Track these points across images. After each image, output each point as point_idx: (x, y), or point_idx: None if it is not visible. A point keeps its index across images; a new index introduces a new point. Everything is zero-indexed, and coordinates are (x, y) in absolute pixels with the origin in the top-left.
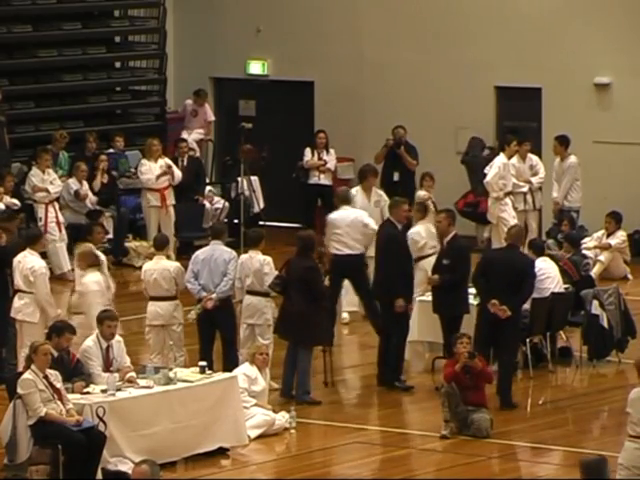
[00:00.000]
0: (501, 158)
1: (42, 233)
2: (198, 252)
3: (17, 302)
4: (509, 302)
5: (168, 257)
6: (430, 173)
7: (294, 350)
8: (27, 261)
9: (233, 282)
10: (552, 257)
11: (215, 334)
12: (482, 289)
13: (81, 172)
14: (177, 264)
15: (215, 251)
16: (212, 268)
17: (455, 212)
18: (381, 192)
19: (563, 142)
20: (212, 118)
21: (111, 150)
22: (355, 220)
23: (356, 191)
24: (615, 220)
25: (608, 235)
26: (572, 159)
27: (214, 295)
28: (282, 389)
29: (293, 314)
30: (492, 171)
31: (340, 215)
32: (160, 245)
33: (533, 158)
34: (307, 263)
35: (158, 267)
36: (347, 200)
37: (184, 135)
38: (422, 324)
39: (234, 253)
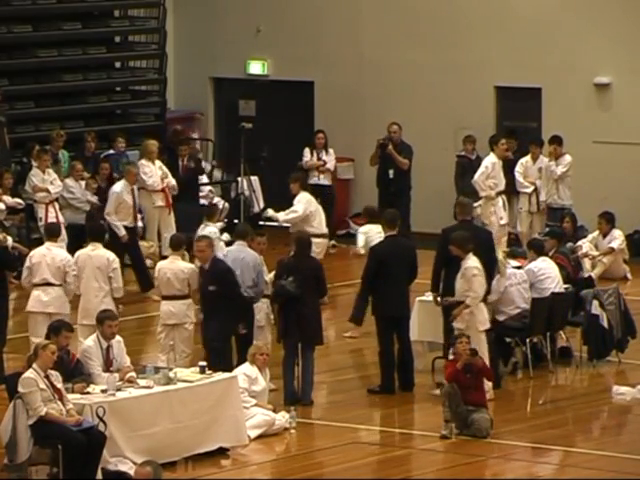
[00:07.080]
0: (490, 158)
1: (61, 229)
2: (225, 252)
3: (44, 296)
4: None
5: (182, 257)
6: None
7: (295, 353)
8: (55, 254)
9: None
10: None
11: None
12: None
13: (76, 172)
14: (192, 266)
15: (241, 252)
16: (243, 269)
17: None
18: None
19: (561, 142)
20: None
21: (112, 151)
22: None
23: None
24: (606, 220)
25: (604, 236)
26: (568, 157)
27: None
28: (287, 396)
29: (308, 315)
30: (479, 170)
31: None
32: (176, 245)
33: (544, 160)
34: (314, 262)
35: (173, 267)
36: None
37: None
38: (422, 324)
39: (259, 259)
